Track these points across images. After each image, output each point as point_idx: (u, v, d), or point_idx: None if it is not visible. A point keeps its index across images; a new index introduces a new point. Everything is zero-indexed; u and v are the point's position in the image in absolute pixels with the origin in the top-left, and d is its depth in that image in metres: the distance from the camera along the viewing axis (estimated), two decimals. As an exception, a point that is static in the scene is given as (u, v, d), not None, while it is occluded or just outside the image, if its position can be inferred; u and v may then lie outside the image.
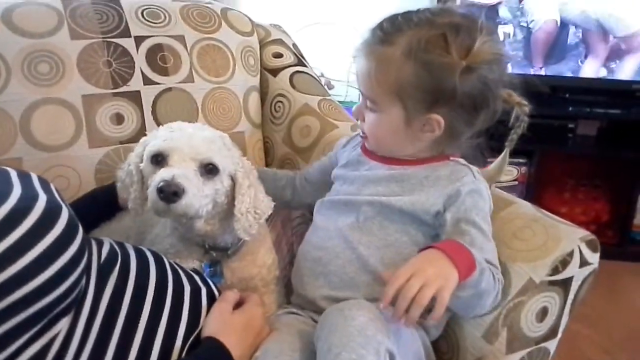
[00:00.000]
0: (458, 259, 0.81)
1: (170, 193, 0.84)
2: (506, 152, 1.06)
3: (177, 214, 0.86)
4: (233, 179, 0.95)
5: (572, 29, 2.59)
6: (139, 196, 0.95)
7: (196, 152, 0.89)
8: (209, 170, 0.90)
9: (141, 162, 0.93)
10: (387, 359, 0.75)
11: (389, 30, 0.92)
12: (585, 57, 2.60)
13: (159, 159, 0.90)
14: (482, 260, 0.86)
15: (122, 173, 0.99)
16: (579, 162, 2.62)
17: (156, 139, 0.92)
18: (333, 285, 0.98)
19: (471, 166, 0.99)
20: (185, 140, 0.89)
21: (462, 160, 1.00)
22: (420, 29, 0.90)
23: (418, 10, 0.94)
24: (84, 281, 0.73)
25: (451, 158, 1.00)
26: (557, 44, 2.61)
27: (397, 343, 0.79)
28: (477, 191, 0.95)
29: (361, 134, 1.04)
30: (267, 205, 0.99)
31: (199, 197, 0.88)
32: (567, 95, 2.60)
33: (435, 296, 0.77)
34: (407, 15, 0.94)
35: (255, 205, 0.96)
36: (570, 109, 2.55)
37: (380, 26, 0.95)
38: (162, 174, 0.85)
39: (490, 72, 0.91)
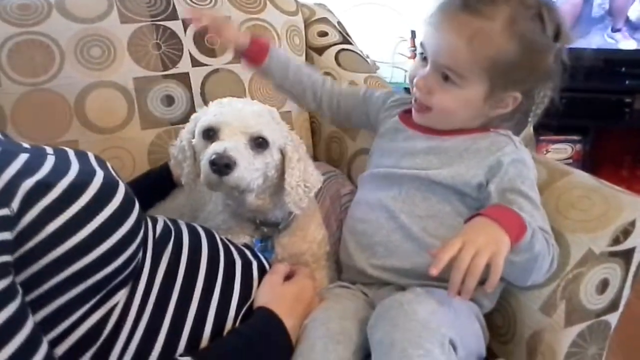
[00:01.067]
0: (507, 223, 0.79)
1: (222, 165, 0.84)
2: (529, 127, 1.04)
3: (229, 186, 0.87)
4: (282, 153, 0.96)
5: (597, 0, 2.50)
6: (192, 171, 0.96)
7: (246, 126, 0.89)
8: (259, 143, 0.91)
9: (193, 137, 0.95)
10: (450, 350, 0.75)
11: (482, 2, 0.88)
12: (613, 30, 2.51)
13: (210, 134, 0.90)
14: (532, 222, 0.84)
15: (175, 150, 1.00)
16: (637, 138, 2.51)
17: (207, 114, 0.92)
18: (380, 255, 0.98)
19: (512, 136, 0.97)
20: (235, 115, 0.90)
21: (502, 131, 0.98)
22: (514, 3, 0.88)
23: None
24: (140, 254, 0.75)
25: (491, 129, 0.98)
26: (582, 17, 2.52)
27: (458, 330, 0.78)
28: (519, 160, 0.93)
29: (415, 105, 0.99)
30: (316, 179, 0.99)
31: (250, 170, 0.88)
32: (623, 69, 2.50)
33: (489, 263, 0.75)
34: None
35: (305, 178, 0.96)
36: (627, 82, 2.45)
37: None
38: (214, 147, 0.86)
39: (566, 53, 0.91)
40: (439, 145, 0.98)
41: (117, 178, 0.74)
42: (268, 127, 0.92)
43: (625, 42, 2.51)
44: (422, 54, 0.95)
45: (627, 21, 2.52)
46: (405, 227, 0.96)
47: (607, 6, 2.49)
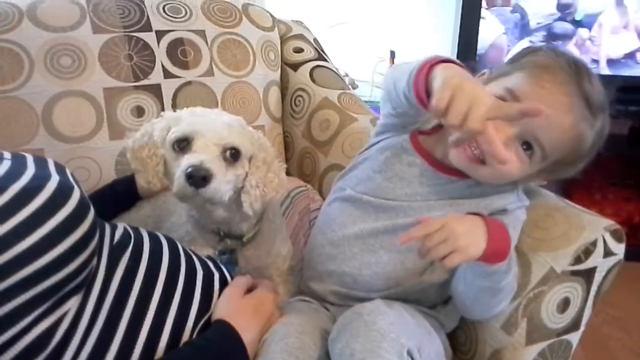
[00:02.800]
0: (494, 239, 0.79)
1: (199, 178, 0.84)
2: None
3: (204, 199, 0.86)
4: (251, 160, 0.95)
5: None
6: (160, 170, 0.93)
7: (219, 137, 0.89)
8: (232, 154, 0.90)
9: (165, 136, 0.92)
10: None
11: (597, 106, 0.88)
12: None
13: (182, 145, 0.89)
14: (514, 260, 0.84)
15: (135, 144, 0.95)
16: (610, 162, 2.54)
17: (180, 123, 0.91)
18: (345, 285, 0.97)
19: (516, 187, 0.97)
20: (209, 126, 0.89)
21: None
22: (603, 117, 0.91)
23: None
24: (94, 261, 0.73)
25: None
26: None
27: (417, 342, 0.78)
28: (521, 207, 0.95)
29: (468, 150, 0.88)
30: (275, 188, 0.96)
31: (224, 182, 0.88)
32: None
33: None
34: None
35: (264, 182, 0.95)
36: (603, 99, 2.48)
37: (591, 97, 0.87)
38: (190, 160, 0.85)
39: None
40: (445, 185, 0.96)
41: (73, 183, 0.72)
42: (240, 138, 0.91)
43: None
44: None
45: None
46: (381, 264, 0.95)
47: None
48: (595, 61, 2.37)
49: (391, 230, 0.95)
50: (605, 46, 2.36)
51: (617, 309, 2.07)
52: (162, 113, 0.98)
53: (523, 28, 2.34)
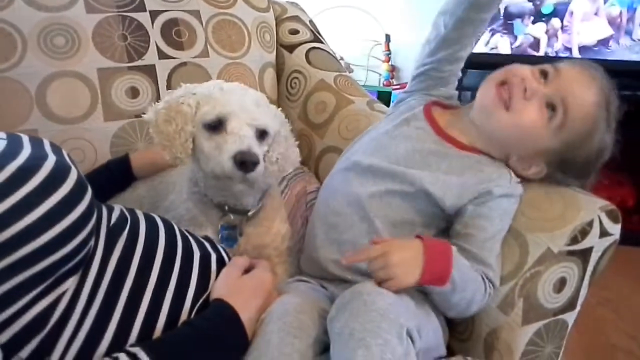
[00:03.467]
0: (431, 266, 0.84)
1: (250, 163, 0.86)
2: None
3: (249, 181, 0.89)
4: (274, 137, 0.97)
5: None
6: (190, 146, 0.92)
7: (252, 118, 0.90)
8: (261, 133, 0.92)
9: (194, 113, 0.92)
10: (408, 341, 0.75)
11: (613, 114, 0.99)
12: None
13: (214, 124, 0.90)
14: (461, 279, 0.87)
15: (159, 117, 0.93)
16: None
17: (210, 102, 0.91)
18: (345, 253, 0.97)
19: (511, 173, 0.98)
20: (241, 106, 0.90)
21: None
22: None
23: None
24: (92, 242, 0.73)
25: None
26: None
27: (416, 322, 0.79)
28: (508, 195, 0.95)
29: (494, 93, 0.96)
30: (291, 162, 1.00)
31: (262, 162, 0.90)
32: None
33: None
34: None
35: (284, 157, 0.97)
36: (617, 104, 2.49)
37: (611, 102, 0.97)
38: (238, 145, 0.87)
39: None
40: (445, 152, 0.99)
41: (70, 164, 0.72)
42: (268, 116, 0.93)
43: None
44: (546, 73, 0.96)
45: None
46: (377, 232, 0.97)
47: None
48: (568, 49, 2.38)
49: (385, 195, 0.98)
50: (577, 34, 2.38)
51: (610, 292, 2.09)
52: (185, 85, 0.97)
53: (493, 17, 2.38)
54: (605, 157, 0.99)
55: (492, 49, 2.47)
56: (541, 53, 2.40)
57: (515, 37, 2.42)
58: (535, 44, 2.40)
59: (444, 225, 0.98)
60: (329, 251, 1.00)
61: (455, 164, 0.97)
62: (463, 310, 0.92)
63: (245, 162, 0.86)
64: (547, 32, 2.38)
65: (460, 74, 1.12)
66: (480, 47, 2.38)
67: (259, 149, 0.89)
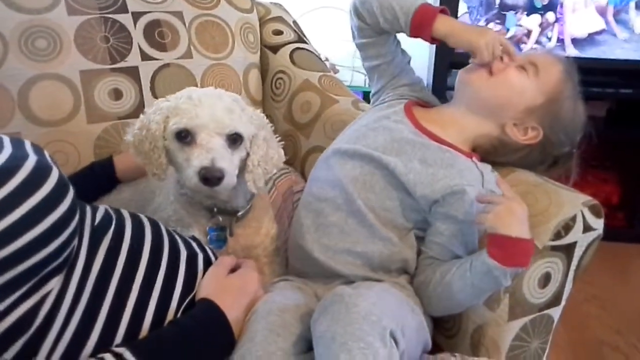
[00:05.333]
0: (520, 247, 0.86)
1: (215, 179, 0.86)
2: None
3: (217, 193, 0.90)
4: (252, 140, 0.95)
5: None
6: (163, 162, 0.93)
7: (222, 126, 0.89)
8: (234, 139, 0.91)
9: (163, 130, 0.92)
10: (391, 342, 0.74)
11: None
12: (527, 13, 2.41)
13: (183, 135, 0.89)
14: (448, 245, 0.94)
15: (136, 138, 0.95)
16: (588, 144, 2.57)
17: (178, 113, 0.90)
18: (332, 236, 0.99)
19: (486, 173, 0.99)
20: (210, 115, 0.89)
21: (480, 164, 1.01)
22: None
23: None
24: (76, 241, 0.72)
25: (474, 158, 1.02)
26: None
27: (399, 321, 0.78)
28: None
29: (476, 63, 1.04)
30: (275, 163, 0.99)
31: (234, 171, 0.90)
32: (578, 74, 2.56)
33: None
34: None
35: (265, 160, 0.97)
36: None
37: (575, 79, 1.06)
38: (202, 160, 0.86)
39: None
40: (421, 142, 1.01)
41: (51, 163, 0.71)
42: (240, 122, 0.92)
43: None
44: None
45: None
46: (361, 213, 0.98)
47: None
48: (561, 40, 2.38)
49: (366, 178, 1.00)
50: (569, 26, 2.37)
51: (595, 288, 2.11)
52: (156, 102, 0.97)
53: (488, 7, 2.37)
54: (584, 122, 1.07)
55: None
56: (530, 45, 2.39)
57: (507, 29, 2.42)
58: (527, 36, 2.41)
59: (421, 218, 0.99)
60: (315, 236, 1.01)
61: (429, 155, 0.98)
62: (460, 307, 0.95)
63: (208, 178, 0.86)
64: (541, 24, 2.38)
65: (409, 57, 1.19)
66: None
67: (227, 160, 0.88)
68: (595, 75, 2.47)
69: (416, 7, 1.04)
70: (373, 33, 1.12)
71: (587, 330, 1.94)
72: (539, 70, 1.02)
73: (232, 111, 0.91)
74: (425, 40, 1.06)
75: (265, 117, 1.01)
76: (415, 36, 1.06)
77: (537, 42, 2.37)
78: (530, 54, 1.07)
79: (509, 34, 2.39)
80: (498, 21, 2.39)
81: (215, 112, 0.89)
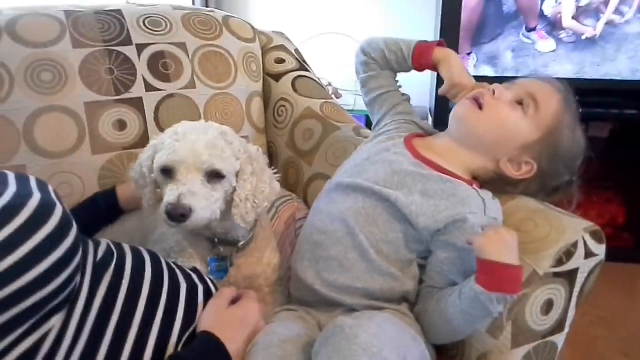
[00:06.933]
0: (508, 274, 0.86)
1: (178, 216, 0.86)
2: None
3: (188, 229, 0.90)
4: (238, 174, 0.96)
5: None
6: (152, 197, 0.97)
7: (201, 162, 0.90)
8: (215, 174, 0.91)
9: (152, 165, 0.94)
10: None
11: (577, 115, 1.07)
12: (528, 29, 2.37)
13: (166, 171, 0.91)
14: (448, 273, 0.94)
15: (135, 174, 1.00)
16: (592, 164, 2.57)
17: (163, 149, 0.92)
18: (332, 270, 0.99)
19: (488, 201, 0.99)
20: (189, 151, 0.90)
21: (482, 192, 1.01)
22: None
23: None
24: (78, 278, 0.73)
25: (475, 185, 1.02)
26: (490, 15, 2.36)
27: (400, 351, 0.78)
28: (481, 226, 0.95)
29: (468, 98, 1.05)
30: (266, 197, 0.98)
31: (210, 205, 0.90)
32: (576, 98, 2.56)
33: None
34: None
35: (255, 194, 0.96)
36: (581, 110, 2.51)
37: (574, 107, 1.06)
38: (169, 197, 0.87)
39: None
40: (422, 173, 1.01)
41: (56, 201, 0.72)
42: (221, 158, 0.92)
43: (543, 43, 2.39)
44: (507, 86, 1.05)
45: (542, 17, 2.36)
46: (362, 247, 0.97)
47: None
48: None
49: (368, 211, 0.99)
50: None
51: (603, 310, 2.09)
52: (151, 140, 1.01)
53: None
54: (584, 150, 1.05)
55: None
56: (608, 15, 2.32)
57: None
58: (605, 4, 2.33)
59: (423, 249, 0.99)
60: (315, 270, 1.01)
61: (431, 186, 0.98)
62: (459, 335, 0.94)
63: (170, 214, 0.86)
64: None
65: (408, 96, 1.24)
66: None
67: (201, 197, 0.88)
68: (600, 96, 2.48)
69: (417, 40, 1.14)
70: (377, 67, 1.19)
71: (595, 353, 1.92)
72: (538, 104, 1.00)
73: (215, 146, 0.91)
74: (426, 66, 1.13)
75: (258, 150, 1.01)
76: (417, 64, 1.14)
77: (617, 11, 2.31)
78: (527, 84, 1.05)
79: (584, 2, 2.32)
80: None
81: (196, 148, 0.90)
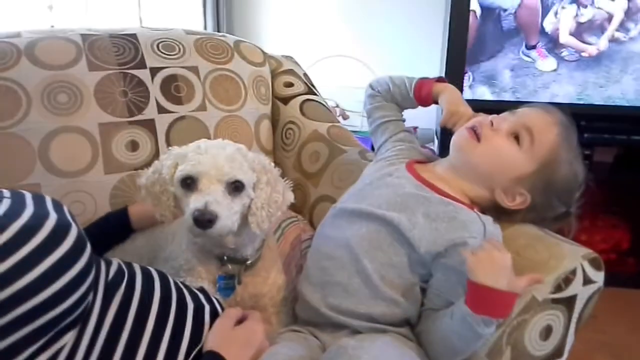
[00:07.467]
0: (500, 299, 0.87)
1: (205, 221, 0.89)
2: None
3: (212, 236, 0.92)
4: (255, 185, 0.99)
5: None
6: (171, 204, 0.99)
7: (222, 174, 0.93)
8: (236, 187, 0.95)
9: (172, 174, 0.97)
10: None
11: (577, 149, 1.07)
12: (528, 47, 2.28)
13: (188, 182, 0.94)
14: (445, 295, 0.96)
15: (147, 181, 1.01)
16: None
17: (185, 161, 0.95)
18: (336, 295, 1.00)
19: (488, 225, 1.01)
20: (211, 163, 0.94)
21: (482, 216, 1.02)
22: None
23: None
24: (90, 297, 0.76)
25: (476, 209, 1.04)
26: (488, 31, 2.27)
27: None
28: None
29: (466, 129, 1.07)
30: (279, 206, 1.02)
31: (231, 216, 0.93)
32: (582, 123, 2.58)
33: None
34: None
35: (269, 203, 0.99)
36: (586, 135, 2.53)
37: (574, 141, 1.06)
38: (195, 203, 0.90)
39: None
40: (424, 196, 1.03)
41: (71, 221, 0.75)
42: (241, 170, 0.96)
43: (543, 61, 2.30)
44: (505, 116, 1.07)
45: (543, 34, 2.27)
46: (365, 272, 0.99)
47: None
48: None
49: (372, 236, 1.01)
50: None
51: (607, 336, 2.08)
52: (169, 149, 1.02)
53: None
54: (581, 184, 1.06)
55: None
56: (611, 32, 2.22)
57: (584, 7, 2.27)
58: (609, 21, 2.23)
59: (426, 272, 1.00)
60: (321, 294, 1.03)
61: (432, 209, 1.00)
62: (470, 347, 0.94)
63: (198, 220, 0.89)
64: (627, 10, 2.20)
65: (411, 129, 1.29)
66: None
67: (224, 206, 0.91)
68: (605, 122, 2.48)
69: (420, 78, 1.22)
70: (382, 99, 1.26)
71: (599, 379, 1.92)
72: (534, 137, 1.01)
73: (234, 160, 0.95)
74: (427, 97, 1.20)
75: (270, 162, 1.05)
76: (418, 95, 1.21)
77: (622, 26, 2.21)
78: (525, 115, 1.05)
79: (585, 18, 2.23)
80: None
81: (217, 161, 0.94)
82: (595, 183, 1.08)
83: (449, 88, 1.17)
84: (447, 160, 1.12)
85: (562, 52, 2.30)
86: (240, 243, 1.02)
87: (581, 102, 2.40)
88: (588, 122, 2.50)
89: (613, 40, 2.25)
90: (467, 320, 0.86)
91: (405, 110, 1.28)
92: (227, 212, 0.91)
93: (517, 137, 1.03)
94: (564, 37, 2.27)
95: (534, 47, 2.31)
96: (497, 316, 0.87)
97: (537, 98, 2.33)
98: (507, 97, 2.36)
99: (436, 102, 1.20)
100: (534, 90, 2.35)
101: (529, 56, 2.33)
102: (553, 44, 2.29)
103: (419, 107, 1.26)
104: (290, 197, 1.05)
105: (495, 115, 1.07)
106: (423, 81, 1.21)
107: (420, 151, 1.22)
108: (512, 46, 2.30)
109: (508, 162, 1.03)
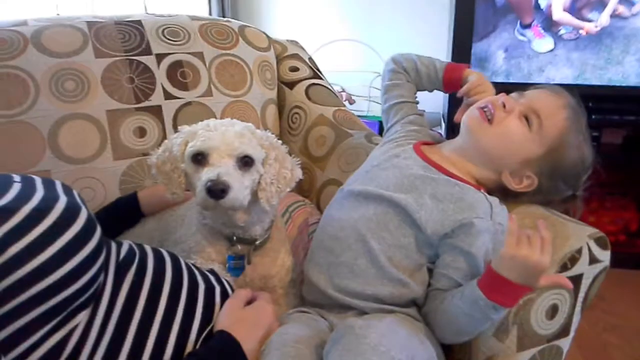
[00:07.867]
0: (512, 289, 0.86)
1: (218, 191, 0.90)
2: None
3: (225, 208, 0.93)
4: (264, 161, 1.00)
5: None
6: (182, 182, 1.00)
7: (232, 148, 0.95)
8: (245, 162, 0.96)
9: (183, 151, 0.98)
10: None
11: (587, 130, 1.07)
12: (523, 26, 2.16)
13: (199, 158, 0.95)
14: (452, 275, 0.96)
15: (158, 159, 1.02)
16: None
17: (195, 138, 0.97)
18: (343, 276, 1.01)
19: (495, 206, 1.01)
20: (221, 138, 0.95)
21: (489, 197, 1.03)
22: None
23: None
24: (102, 277, 0.77)
25: (482, 189, 1.04)
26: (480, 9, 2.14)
27: (409, 353, 0.81)
28: (488, 230, 0.98)
29: (477, 111, 1.07)
30: (287, 182, 1.03)
31: (242, 189, 0.94)
32: (590, 104, 2.57)
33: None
34: None
35: (278, 179, 1.01)
36: (594, 117, 2.51)
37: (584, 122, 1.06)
38: (208, 174, 0.91)
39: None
40: (432, 177, 1.04)
41: (81, 204, 0.77)
42: (250, 145, 0.97)
43: (540, 41, 2.20)
44: (516, 97, 1.07)
45: (538, 10, 2.13)
46: (372, 253, 1.00)
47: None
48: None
49: (379, 217, 1.02)
50: None
51: (616, 317, 2.09)
52: (179, 128, 1.03)
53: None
54: (589, 167, 1.07)
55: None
56: (607, 14, 2.10)
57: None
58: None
59: (433, 252, 1.01)
60: (327, 275, 1.04)
61: (439, 190, 1.01)
62: (464, 335, 0.96)
63: (211, 190, 0.90)
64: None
65: (423, 112, 1.29)
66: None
67: (235, 179, 0.93)
68: (615, 103, 2.45)
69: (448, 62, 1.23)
70: (403, 77, 1.26)
71: (608, 360, 1.93)
72: (542, 121, 1.02)
73: (243, 135, 0.97)
74: (457, 79, 1.20)
75: (276, 138, 1.06)
76: (448, 76, 1.21)
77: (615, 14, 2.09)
78: (535, 98, 1.05)
79: None
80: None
81: (227, 136, 0.95)
82: (604, 165, 1.08)
83: (478, 73, 1.18)
84: (455, 142, 1.12)
85: (559, 30, 2.20)
86: (250, 221, 1.03)
87: (586, 83, 2.35)
88: (595, 103, 2.49)
89: (615, 15, 2.15)
90: (479, 303, 0.87)
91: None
92: (239, 185, 0.93)
93: (527, 119, 1.03)
94: (558, 14, 2.17)
95: (529, 25, 2.20)
96: (508, 305, 0.88)
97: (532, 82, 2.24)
98: (500, 80, 2.28)
99: (459, 85, 1.20)
100: (528, 74, 2.27)
101: (524, 35, 2.22)
102: (549, 21, 2.19)
103: (434, 90, 1.27)
104: (299, 174, 1.06)
105: (506, 97, 1.06)
106: (453, 65, 1.22)
107: (430, 134, 1.22)
108: (507, 24, 2.21)
109: (518, 145, 1.03)
